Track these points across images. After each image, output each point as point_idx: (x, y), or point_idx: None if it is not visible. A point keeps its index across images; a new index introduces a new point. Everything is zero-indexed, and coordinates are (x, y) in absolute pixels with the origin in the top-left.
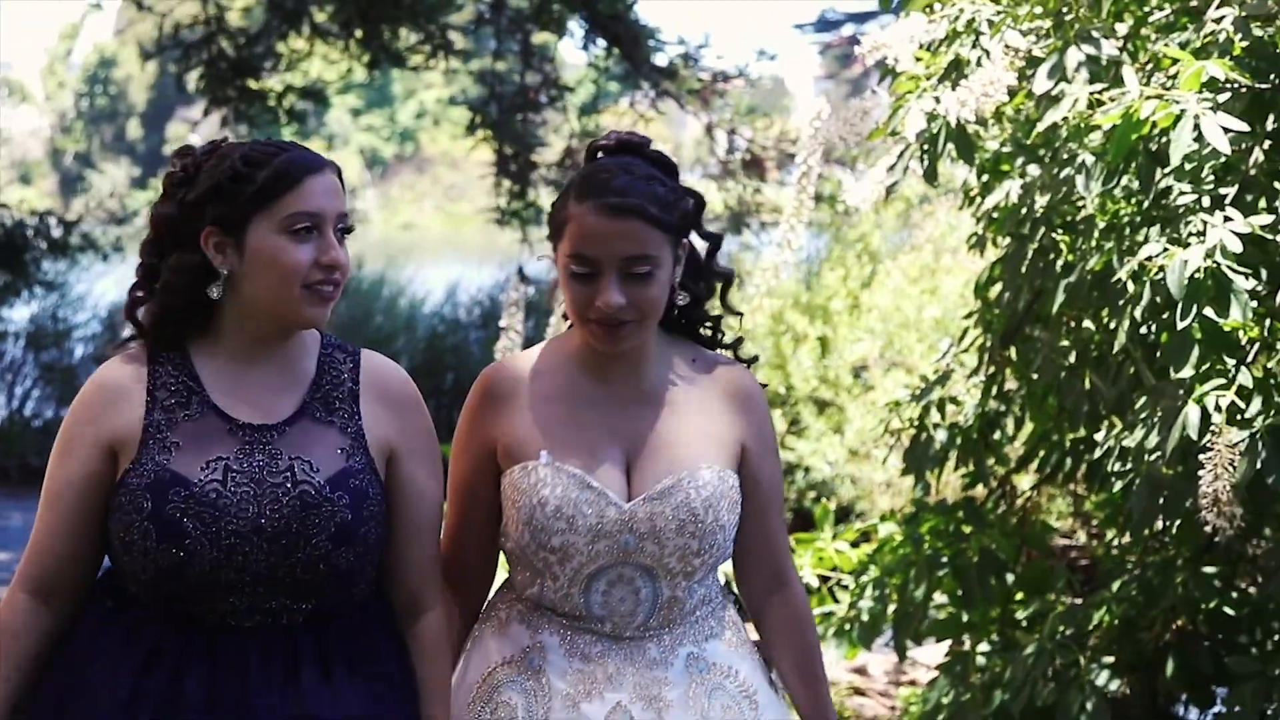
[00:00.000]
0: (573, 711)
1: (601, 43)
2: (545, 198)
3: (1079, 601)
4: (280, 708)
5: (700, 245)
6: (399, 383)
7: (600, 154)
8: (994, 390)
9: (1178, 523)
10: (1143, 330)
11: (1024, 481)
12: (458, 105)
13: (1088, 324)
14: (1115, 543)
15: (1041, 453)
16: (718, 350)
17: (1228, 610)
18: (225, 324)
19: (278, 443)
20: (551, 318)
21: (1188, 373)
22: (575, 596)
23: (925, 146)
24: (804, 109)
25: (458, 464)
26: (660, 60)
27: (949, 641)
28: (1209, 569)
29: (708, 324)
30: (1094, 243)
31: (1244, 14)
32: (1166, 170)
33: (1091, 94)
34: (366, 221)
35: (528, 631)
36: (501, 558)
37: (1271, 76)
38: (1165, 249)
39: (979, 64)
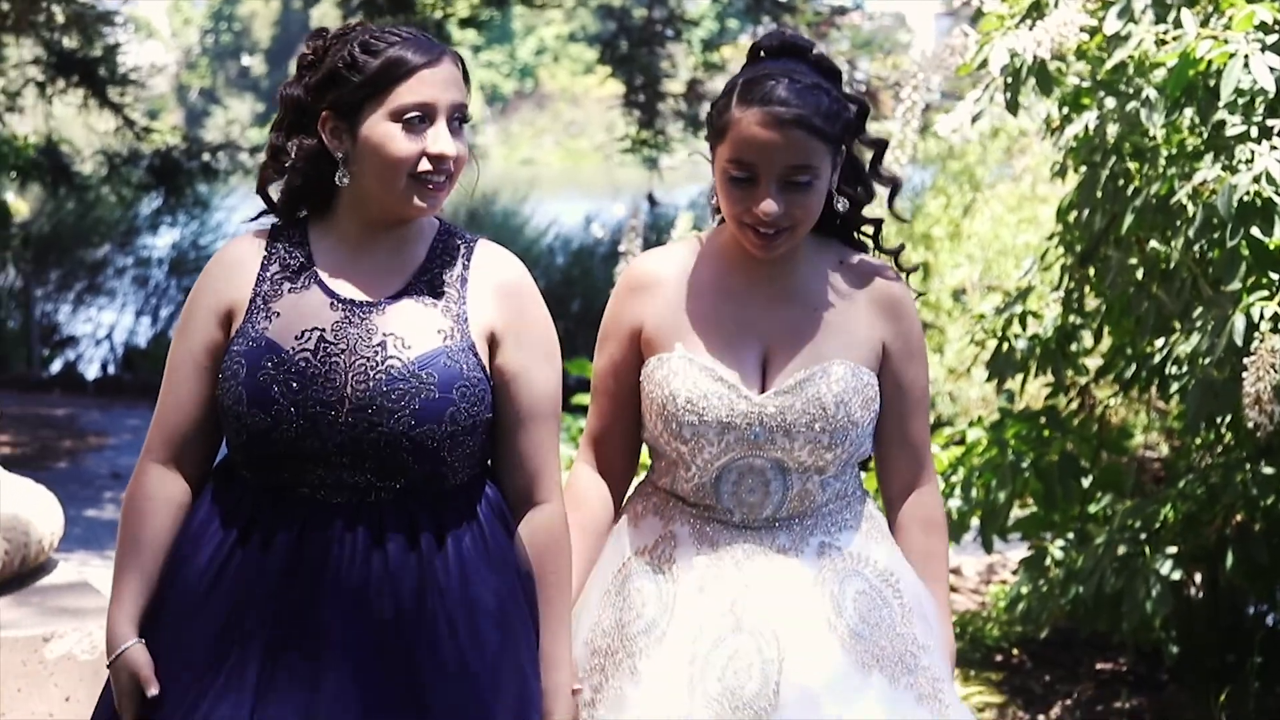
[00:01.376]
0: (700, 597)
1: None
2: (672, 129)
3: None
4: (358, 573)
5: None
6: (513, 271)
7: (763, 54)
8: (1072, 305)
9: (1236, 425)
10: (1197, 248)
11: (1102, 391)
12: (577, 41)
13: (1154, 244)
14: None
15: (1119, 364)
16: (873, 255)
17: None
18: (342, 206)
19: (374, 319)
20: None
21: (1235, 286)
22: (706, 486)
23: (1008, 81)
24: (920, 43)
25: (602, 352)
26: None
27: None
28: (1268, 469)
29: (864, 229)
30: (1159, 170)
31: None
32: (1221, 104)
33: (1156, 34)
34: (486, 157)
35: (660, 522)
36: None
37: None
38: (1218, 175)
39: (1055, 5)
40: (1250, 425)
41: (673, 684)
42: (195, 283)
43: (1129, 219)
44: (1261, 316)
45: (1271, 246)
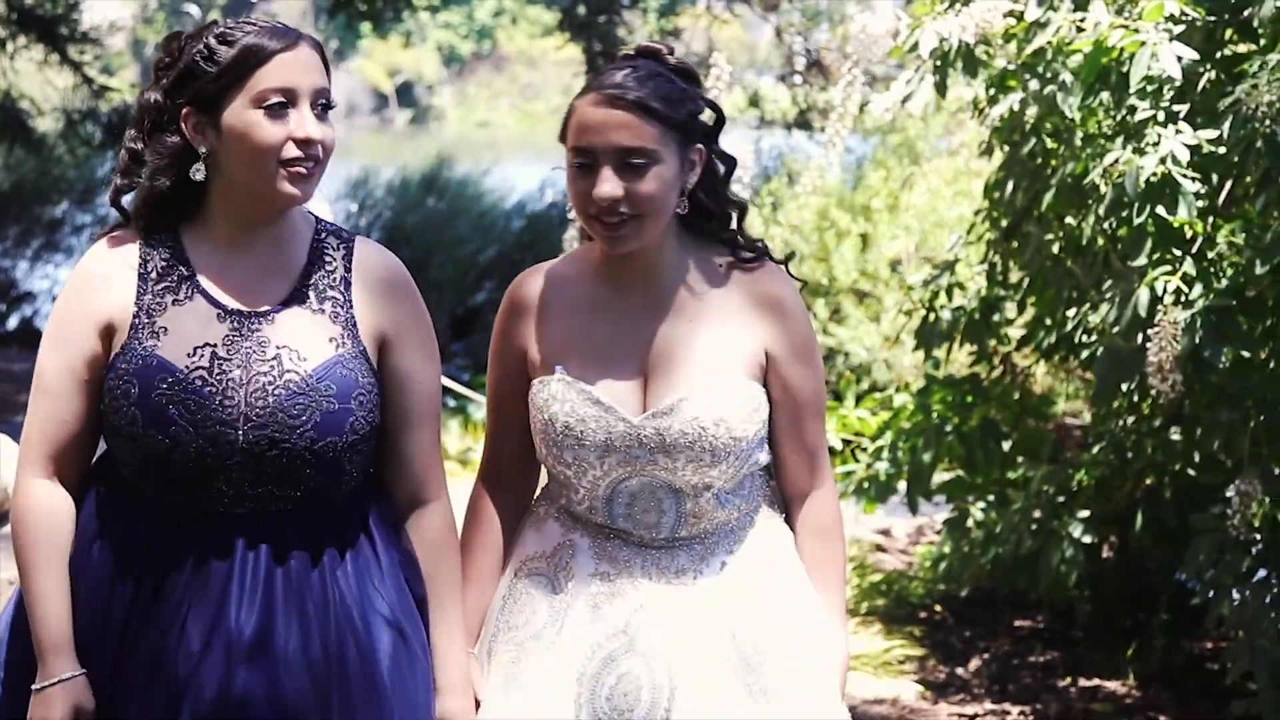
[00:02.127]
0: (594, 612)
1: None
2: None
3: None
4: (262, 592)
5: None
6: (393, 270)
7: (621, 58)
8: (996, 278)
9: (1144, 393)
10: (1107, 225)
11: (1024, 360)
12: (535, 3)
13: (1070, 220)
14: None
15: (1040, 334)
16: (745, 254)
17: (1190, 472)
18: (213, 207)
19: (266, 330)
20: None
21: (1141, 261)
22: (599, 508)
23: (937, 64)
24: (875, 16)
25: (492, 373)
26: None
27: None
28: (1175, 436)
29: (727, 230)
30: (1075, 150)
31: None
32: (1131, 90)
33: (1073, 21)
34: (443, 119)
35: (560, 529)
36: None
37: (1224, 14)
38: (1127, 157)
39: None
40: (1154, 392)
41: (559, 696)
42: (65, 288)
43: (1048, 197)
44: (1165, 290)
45: (1175, 224)
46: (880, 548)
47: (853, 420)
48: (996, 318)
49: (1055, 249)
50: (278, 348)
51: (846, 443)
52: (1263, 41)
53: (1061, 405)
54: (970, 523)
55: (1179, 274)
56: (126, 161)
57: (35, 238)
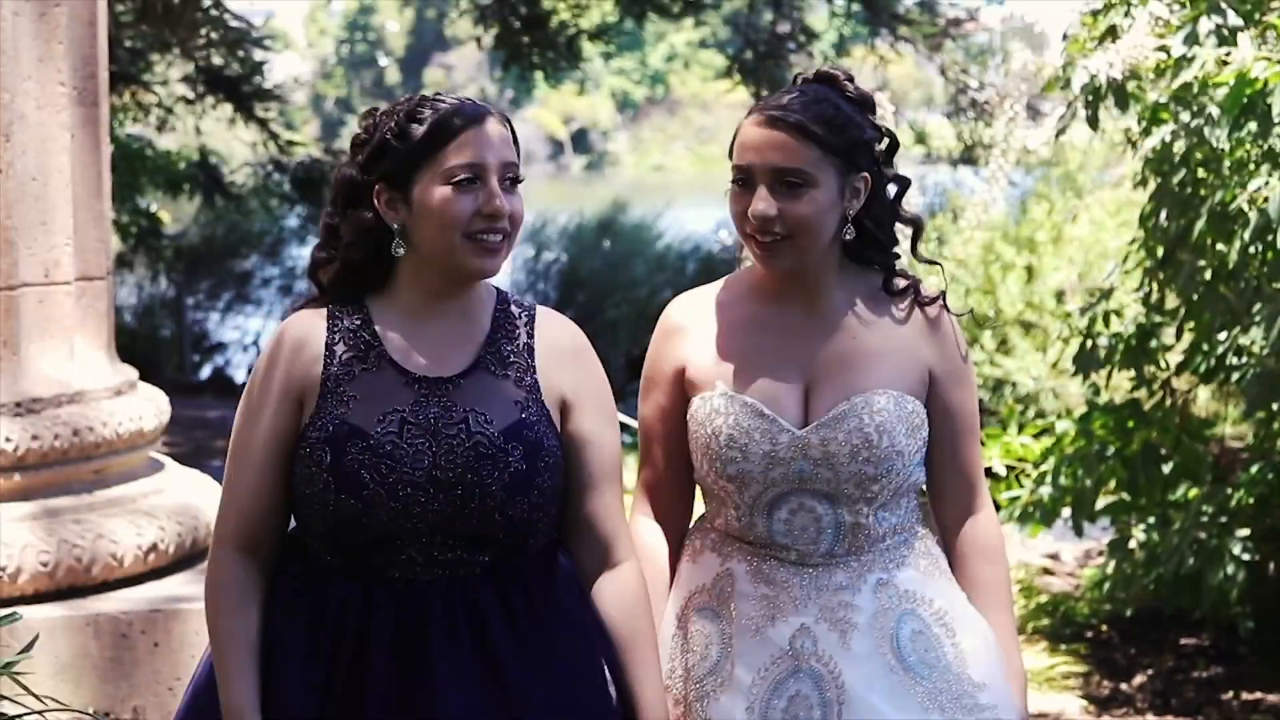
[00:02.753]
0: (757, 636)
1: None
2: None
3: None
4: (466, 662)
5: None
6: (573, 336)
7: (798, 81)
8: (1151, 304)
9: None
10: (1253, 250)
11: (1183, 384)
12: (708, 48)
13: (1220, 246)
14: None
15: (1197, 359)
16: (906, 284)
17: None
18: (401, 279)
19: (453, 395)
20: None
21: None
22: (758, 524)
23: (1089, 99)
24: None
25: (647, 399)
26: (899, 7)
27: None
28: None
29: (890, 261)
30: (1223, 179)
31: None
32: (1275, 119)
33: (1218, 56)
34: (618, 164)
35: (718, 559)
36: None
37: None
38: (1267, 181)
39: (1130, 29)
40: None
41: None
42: (259, 362)
43: (1200, 225)
44: None
45: None
46: (1048, 571)
47: (1016, 447)
48: (1154, 343)
49: (1208, 275)
50: (465, 411)
51: (1010, 469)
52: None
53: (1227, 428)
54: (1133, 544)
55: None
56: (325, 236)
57: (226, 290)
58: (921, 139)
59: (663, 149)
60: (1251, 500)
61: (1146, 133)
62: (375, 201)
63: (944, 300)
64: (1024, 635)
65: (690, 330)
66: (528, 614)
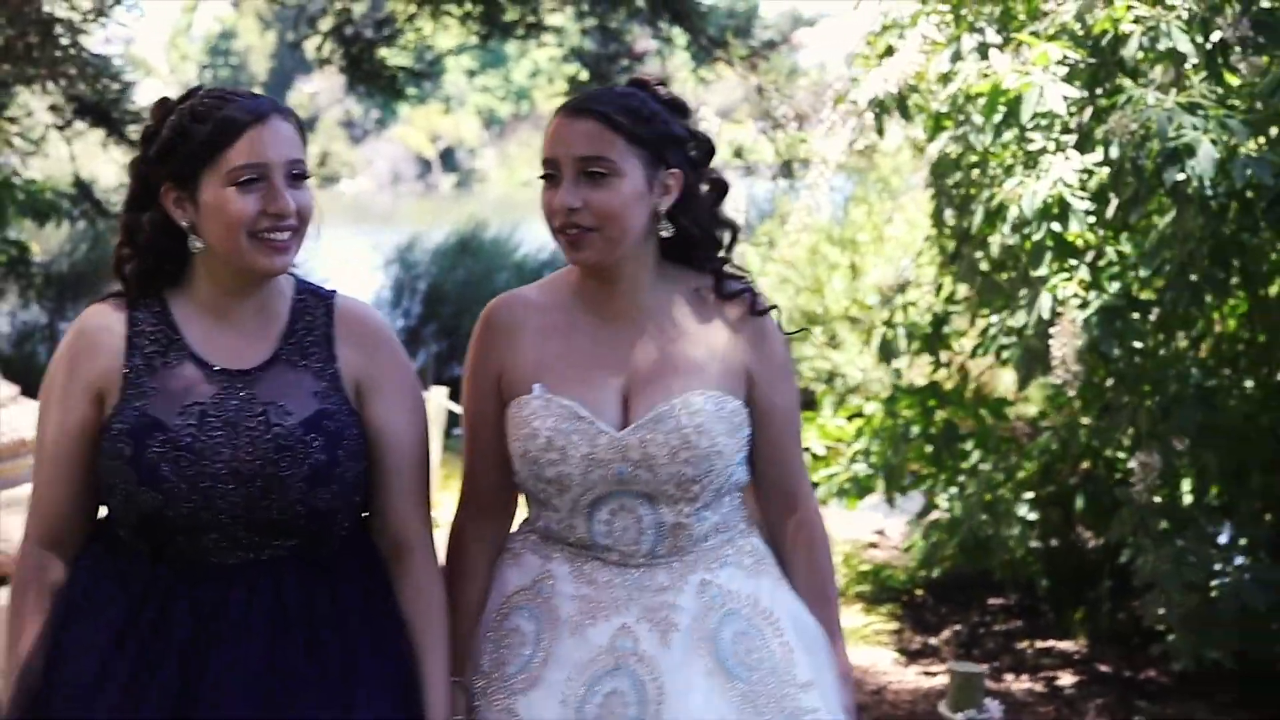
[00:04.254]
0: (578, 636)
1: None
2: None
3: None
4: (261, 648)
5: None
6: (372, 323)
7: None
8: (942, 295)
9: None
10: (1013, 241)
11: (977, 365)
12: (571, 62)
13: (991, 240)
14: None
15: (986, 341)
16: (730, 283)
17: (1120, 455)
18: (198, 274)
19: (253, 387)
20: None
21: (1044, 271)
22: (579, 526)
23: (875, 111)
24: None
25: (468, 397)
26: (714, 32)
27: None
28: (1103, 423)
29: (712, 258)
30: (991, 179)
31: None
32: (1025, 124)
33: (980, 70)
34: (486, 180)
35: (539, 561)
36: None
37: (1101, 56)
38: (1022, 181)
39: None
40: (1059, 382)
41: None
42: (56, 356)
43: (977, 221)
44: (1064, 295)
45: (1069, 238)
46: (873, 545)
47: (832, 429)
48: (946, 330)
49: (985, 266)
50: (264, 404)
51: (829, 449)
52: (1140, 79)
53: (1031, 407)
54: (936, 514)
55: (1076, 280)
56: (125, 233)
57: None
58: (739, 153)
59: (530, 164)
60: (1037, 466)
61: (931, 139)
62: (164, 200)
63: (760, 303)
64: (843, 598)
65: (507, 331)
66: (329, 598)
